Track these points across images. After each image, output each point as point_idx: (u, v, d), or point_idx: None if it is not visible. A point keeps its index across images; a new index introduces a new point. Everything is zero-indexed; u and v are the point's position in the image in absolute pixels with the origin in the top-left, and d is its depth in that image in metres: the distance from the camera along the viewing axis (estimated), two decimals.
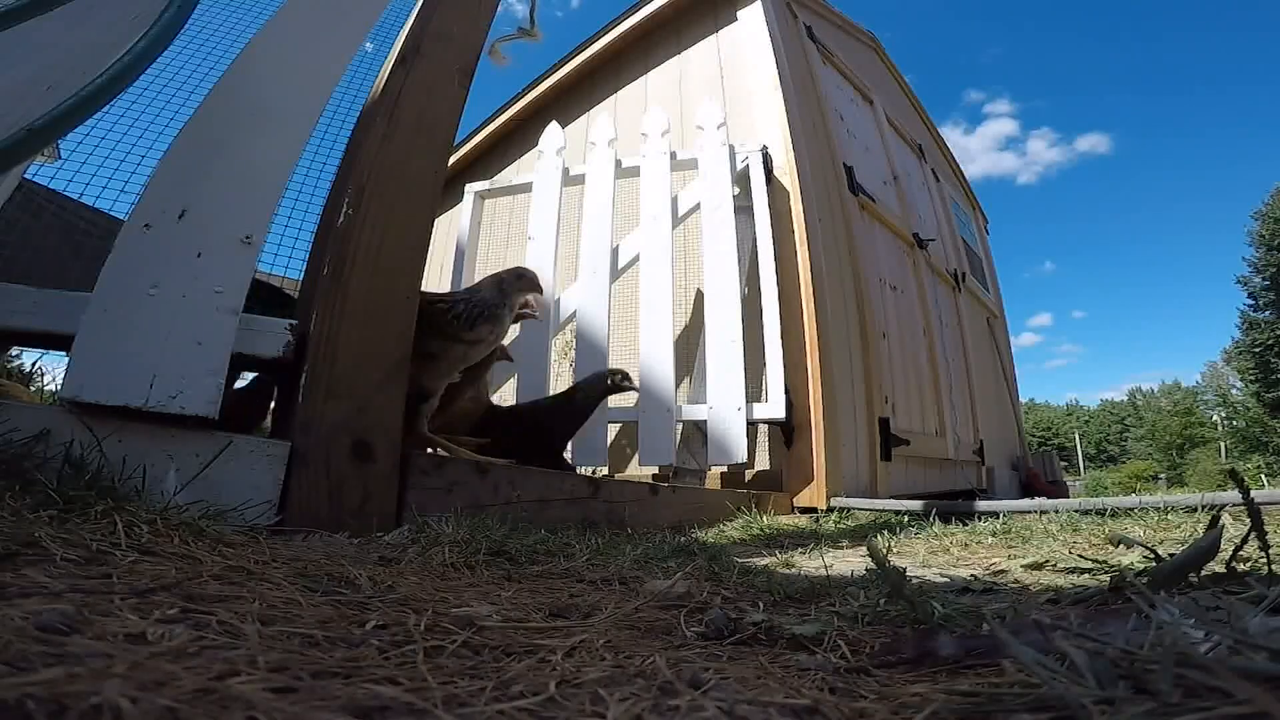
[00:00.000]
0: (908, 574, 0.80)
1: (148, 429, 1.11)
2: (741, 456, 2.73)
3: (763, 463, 3.05)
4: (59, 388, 1.13)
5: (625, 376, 2.38)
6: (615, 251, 3.16)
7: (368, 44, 1.76)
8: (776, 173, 3.28)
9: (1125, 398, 57.78)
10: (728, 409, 2.74)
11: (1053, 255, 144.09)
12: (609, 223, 3.16)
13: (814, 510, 2.71)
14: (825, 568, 1.08)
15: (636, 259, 3.13)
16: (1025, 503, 2.27)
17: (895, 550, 1.62)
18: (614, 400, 2.62)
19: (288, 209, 1.61)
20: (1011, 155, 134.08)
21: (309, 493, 1.17)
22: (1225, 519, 0.92)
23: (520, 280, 1.77)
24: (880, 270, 3.98)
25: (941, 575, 1.09)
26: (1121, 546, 1.47)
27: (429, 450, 1.66)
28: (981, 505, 2.36)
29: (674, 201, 3.17)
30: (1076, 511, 2.06)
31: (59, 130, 1.00)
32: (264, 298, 1.58)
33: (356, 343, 1.30)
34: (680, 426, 2.88)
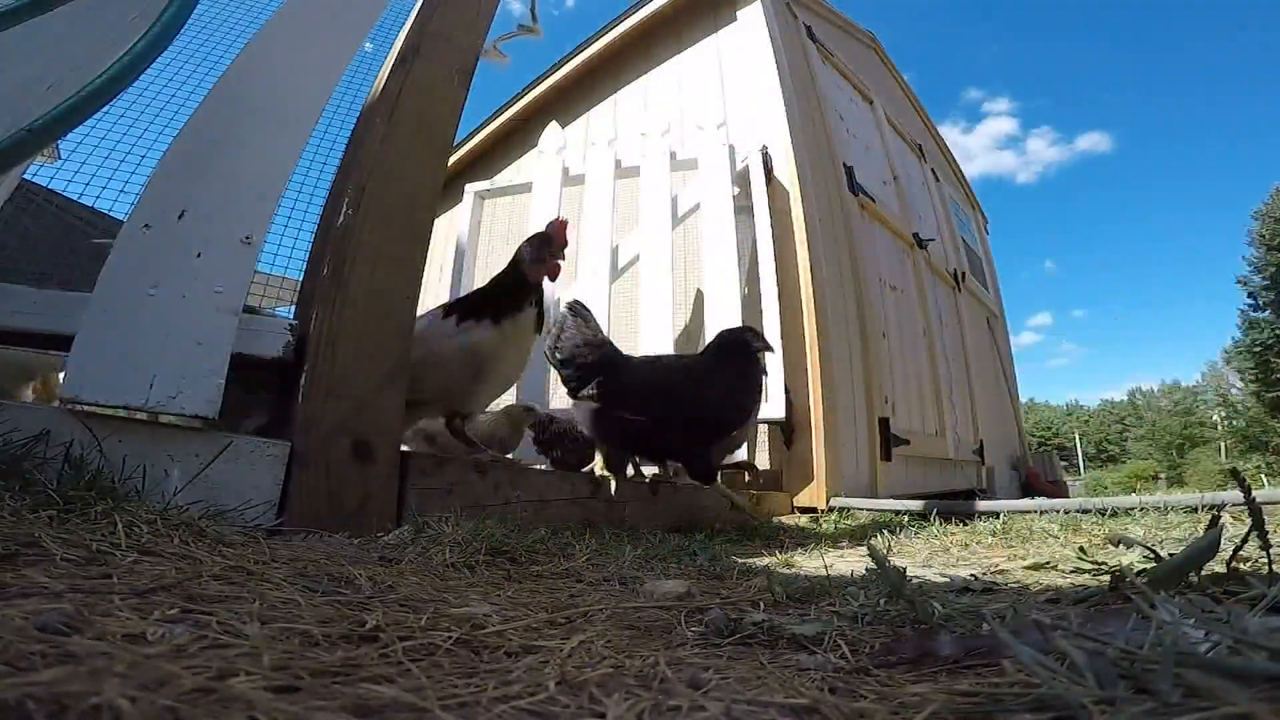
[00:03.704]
0: (908, 574, 0.80)
1: (148, 429, 1.11)
2: (741, 456, 2.73)
3: (763, 462, 3.05)
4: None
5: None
6: (615, 251, 3.16)
7: (368, 44, 1.76)
8: (776, 172, 3.28)
9: (1125, 397, 57.72)
10: None
11: (1053, 255, 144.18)
12: (609, 223, 3.16)
13: (814, 510, 2.71)
14: (825, 568, 1.08)
15: (636, 259, 3.13)
16: (1025, 503, 2.27)
17: (895, 550, 1.62)
18: None
19: (288, 209, 1.61)
20: (1011, 154, 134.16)
21: (309, 493, 1.17)
22: (1225, 518, 0.92)
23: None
24: (880, 270, 3.97)
25: (941, 575, 1.09)
26: (1121, 546, 1.47)
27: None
28: (981, 505, 2.36)
29: (674, 201, 3.17)
30: (1077, 511, 2.06)
31: (59, 130, 1.00)
32: None
33: (356, 343, 1.30)
34: None
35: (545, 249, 1.64)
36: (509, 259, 1.73)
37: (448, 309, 1.66)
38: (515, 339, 1.60)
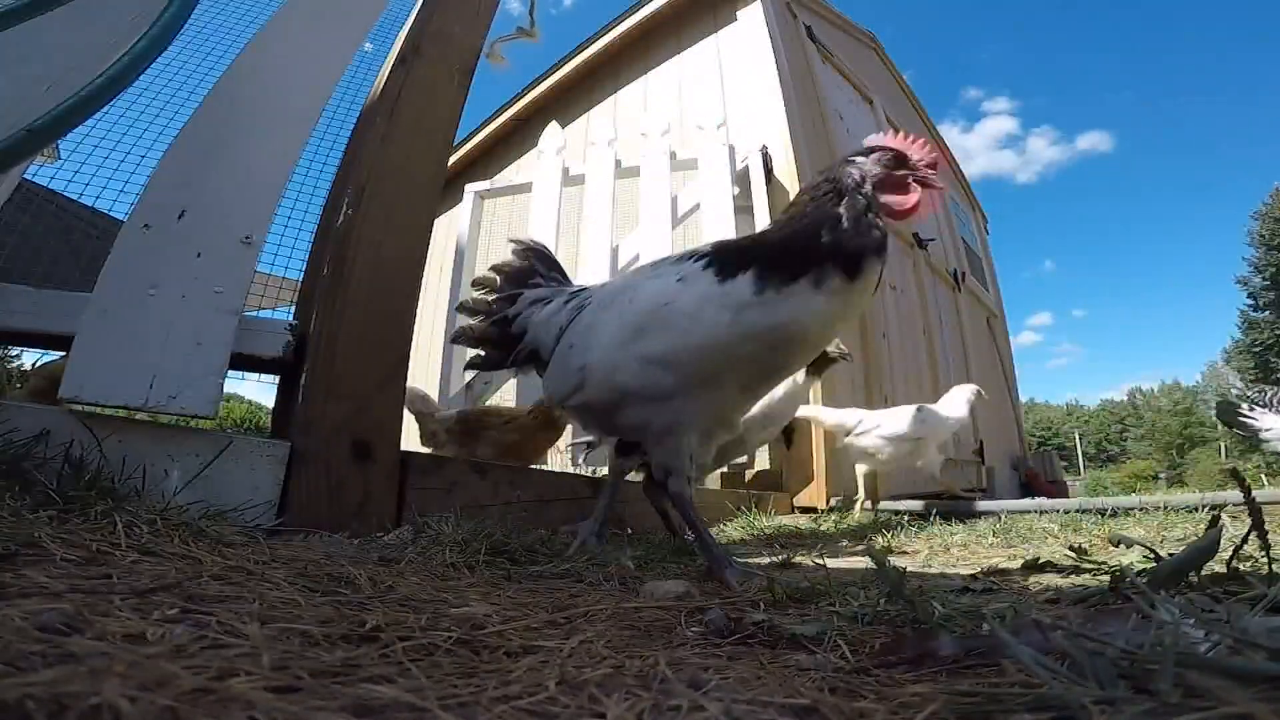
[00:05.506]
0: (908, 574, 0.80)
1: (148, 429, 1.11)
2: (741, 456, 2.73)
3: (763, 463, 3.05)
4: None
5: None
6: (615, 251, 3.15)
7: (368, 44, 1.76)
8: (776, 173, 3.28)
9: (1125, 398, 57.60)
10: None
11: (1053, 255, 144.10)
12: (609, 223, 3.16)
13: (814, 510, 2.71)
14: (825, 567, 1.08)
15: (637, 259, 3.13)
16: (1025, 503, 2.27)
17: (895, 550, 1.62)
18: None
19: (288, 209, 1.61)
20: (1011, 154, 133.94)
21: (309, 493, 1.17)
22: (1225, 518, 0.92)
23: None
24: None
25: (941, 575, 1.09)
26: (1121, 546, 1.47)
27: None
28: (981, 505, 2.36)
29: (674, 201, 3.17)
30: (1076, 511, 2.06)
31: (59, 130, 1.00)
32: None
33: (356, 343, 1.30)
34: None
35: (903, 165, 1.04)
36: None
37: (705, 258, 1.07)
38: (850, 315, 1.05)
